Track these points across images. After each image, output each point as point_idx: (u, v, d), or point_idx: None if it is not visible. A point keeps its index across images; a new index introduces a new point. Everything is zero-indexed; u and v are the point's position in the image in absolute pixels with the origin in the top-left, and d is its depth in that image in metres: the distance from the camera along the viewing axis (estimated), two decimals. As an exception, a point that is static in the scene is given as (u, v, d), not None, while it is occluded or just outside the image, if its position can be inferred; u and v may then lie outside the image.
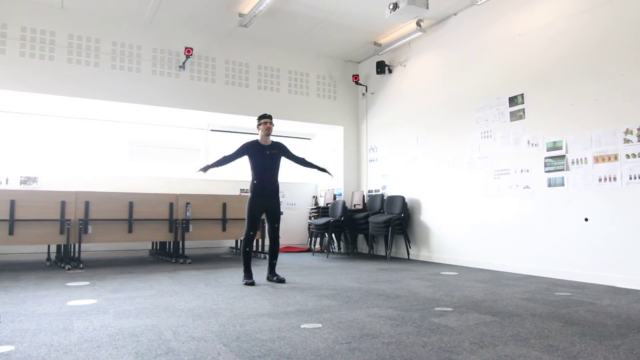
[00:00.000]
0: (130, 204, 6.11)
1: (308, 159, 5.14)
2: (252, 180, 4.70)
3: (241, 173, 8.57)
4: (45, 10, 6.43)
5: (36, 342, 2.51)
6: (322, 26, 7.14)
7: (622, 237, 4.48)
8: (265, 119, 4.78)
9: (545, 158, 5.23)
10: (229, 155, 4.75)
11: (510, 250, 5.55)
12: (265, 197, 4.66)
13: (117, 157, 7.67)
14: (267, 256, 4.81)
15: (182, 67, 7.17)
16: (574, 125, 4.97)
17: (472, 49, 6.31)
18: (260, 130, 4.79)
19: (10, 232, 5.47)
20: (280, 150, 4.88)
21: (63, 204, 5.73)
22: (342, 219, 7.57)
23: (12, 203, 5.48)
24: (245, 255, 4.60)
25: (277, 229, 4.73)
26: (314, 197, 9.07)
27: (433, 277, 5.08)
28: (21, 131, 7.08)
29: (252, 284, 4.43)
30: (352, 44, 7.87)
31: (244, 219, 4.44)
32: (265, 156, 4.72)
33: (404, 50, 7.55)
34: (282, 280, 4.64)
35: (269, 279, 4.71)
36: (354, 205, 8.10)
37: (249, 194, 4.73)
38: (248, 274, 4.55)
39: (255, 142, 4.79)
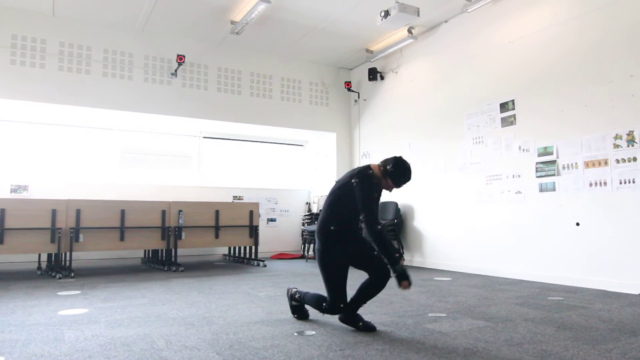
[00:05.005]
0: (122, 212, 6.07)
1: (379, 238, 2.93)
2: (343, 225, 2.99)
3: (233, 180, 8.58)
4: (36, 17, 6.40)
5: (26, 352, 2.48)
6: (314, 33, 7.17)
7: (613, 242, 4.51)
8: (403, 184, 3.02)
9: (537, 163, 5.27)
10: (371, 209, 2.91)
11: (503, 256, 5.57)
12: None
13: (108, 165, 7.62)
14: (359, 292, 3.01)
15: (174, 74, 7.16)
16: (565, 131, 5.01)
17: (463, 55, 6.36)
18: (385, 178, 2.99)
19: (0, 241, 5.41)
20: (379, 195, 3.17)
21: (54, 212, 5.68)
22: (336, 225, 7.55)
23: (2, 212, 5.43)
24: (312, 306, 3.08)
25: (380, 257, 2.95)
26: (307, 203, 9.06)
27: (426, 282, 5.09)
28: (11, 139, 7.02)
29: (307, 315, 3.19)
30: (344, 51, 7.91)
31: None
32: (373, 199, 3.00)
33: (395, 57, 7.59)
34: (372, 328, 2.97)
35: (345, 320, 3.04)
36: (347, 212, 8.08)
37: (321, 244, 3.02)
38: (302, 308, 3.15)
39: (374, 176, 2.99)
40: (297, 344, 2.63)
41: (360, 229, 3.06)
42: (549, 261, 5.05)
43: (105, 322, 3.18)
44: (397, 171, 2.95)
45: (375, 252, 2.96)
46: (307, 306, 3.27)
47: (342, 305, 2.93)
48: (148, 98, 7.03)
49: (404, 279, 2.80)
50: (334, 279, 2.95)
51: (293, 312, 3.31)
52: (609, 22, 4.70)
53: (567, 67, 5.04)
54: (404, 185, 3.03)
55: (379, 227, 2.84)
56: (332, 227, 2.96)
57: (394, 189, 3.05)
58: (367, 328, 2.96)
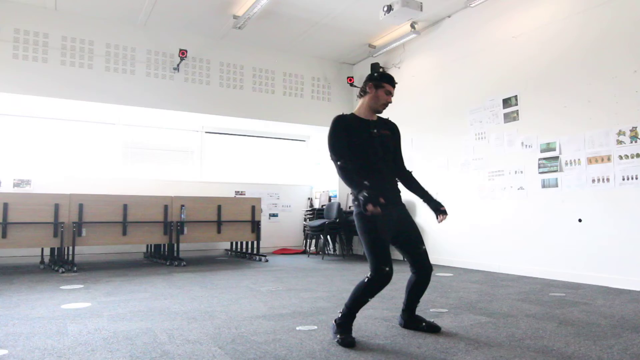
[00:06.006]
0: (125, 207, 6.08)
1: (414, 177, 3.17)
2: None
3: (235, 175, 8.59)
4: (38, 11, 6.39)
5: (30, 346, 2.49)
6: (316, 28, 7.14)
7: (615, 238, 4.50)
8: (390, 86, 2.96)
9: (539, 159, 5.26)
10: (340, 153, 2.76)
11: (505, 252, 5.57)
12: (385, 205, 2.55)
13: (111, 159, 7.64)
14: (408, 294, 2.95)
15: (177, 69, 7.15)
16: (568, 127, 4.99)
17: (466, 50, 6.33)
18: (369, 98, 2.97)
19: (4, 235, 5.43)
20: (392, 132, 3.05)
21: (57, 206, 5.70)
22: (337, 220, 7.57)
23: (5, 206, 5.44)
24: (359, 302, 2.64)
25: (425, 252, 2.88)
26: (309, 198, 9.07)
27: (428, 278, 5.09)
28: (14, 133, 7.03)
29: (353, 344, 2.52)
30: (346, 46, 7.88)
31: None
32: (373, 137, 2.87)
33: (398, 52, 7.56)
34: (436, 328, 2.83)
35: (407, 325, 2.93)
36: (349, 207, 8.11)
37: (355, 209, 2.72)
38: (348, 326, 2.64)
39: (353, 116, 2.96)
40: (299, 339, 2.64)
41: (398, 191, 2.91)
42: (551, 257, 5.04)
43: (108, 316, 3.19)
44: (374, 76, 2.97)
45: (423, 247, 2.86)
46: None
47: (387, 269, 2.55)
48: (150, 93, 7.03)
49: (367, 205, 2.47)
50: (377, 239, 2.60)
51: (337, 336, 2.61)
52: (612, 17, 4.67)
53: (571, 62, 5.02)
54: (394, 88, 3.00)
55: (339, 162, 2.69)
56: (365, 182, 2.62)
57: (383, 99, 2.96)
58: (431, 328, 2.81)
